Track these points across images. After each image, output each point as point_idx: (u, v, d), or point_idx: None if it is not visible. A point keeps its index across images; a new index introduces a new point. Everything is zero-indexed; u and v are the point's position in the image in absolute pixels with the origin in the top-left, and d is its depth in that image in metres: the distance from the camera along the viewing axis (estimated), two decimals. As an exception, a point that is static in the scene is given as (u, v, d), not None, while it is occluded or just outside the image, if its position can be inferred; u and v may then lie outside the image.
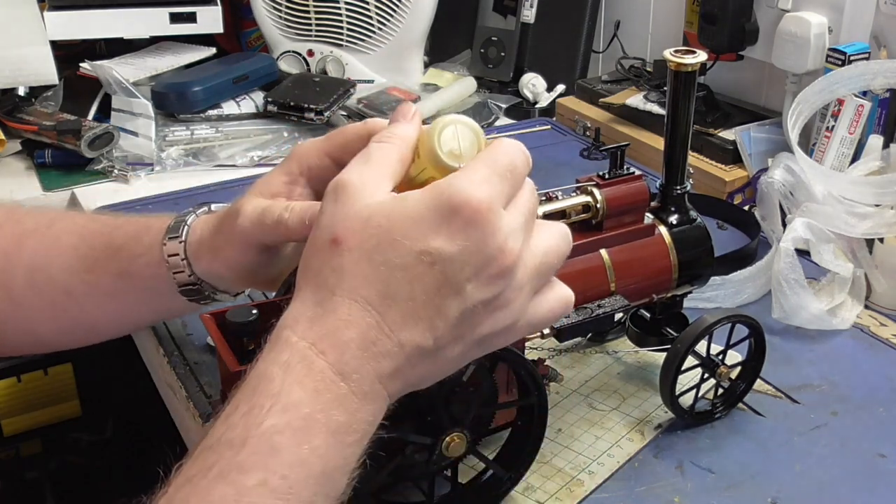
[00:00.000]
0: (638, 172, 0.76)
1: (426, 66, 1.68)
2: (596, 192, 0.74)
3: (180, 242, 0.74)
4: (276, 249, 0.72)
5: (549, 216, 0.72)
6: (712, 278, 0.94)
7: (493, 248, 0.52)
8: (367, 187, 0.54)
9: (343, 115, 1.48)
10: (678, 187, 0.80)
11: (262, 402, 0.50)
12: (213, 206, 0.77)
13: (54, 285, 0.78)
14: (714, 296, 0.97)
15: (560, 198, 0.74)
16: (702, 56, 0.75)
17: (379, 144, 0.57)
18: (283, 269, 0.75)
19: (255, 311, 0.66)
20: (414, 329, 0.52)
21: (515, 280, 0.54)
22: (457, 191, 0.52)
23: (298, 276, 0.55)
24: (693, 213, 0.81)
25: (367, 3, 1.57)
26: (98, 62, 1.48)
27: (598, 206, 0.74)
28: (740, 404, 0.83)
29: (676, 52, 0.75)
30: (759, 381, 0.83)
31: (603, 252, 0.75)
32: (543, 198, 0.73)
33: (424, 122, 0.60)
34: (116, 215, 0.83)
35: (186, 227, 0.74)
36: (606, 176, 0.75)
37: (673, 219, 0.79)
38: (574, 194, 0.75)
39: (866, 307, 0.99)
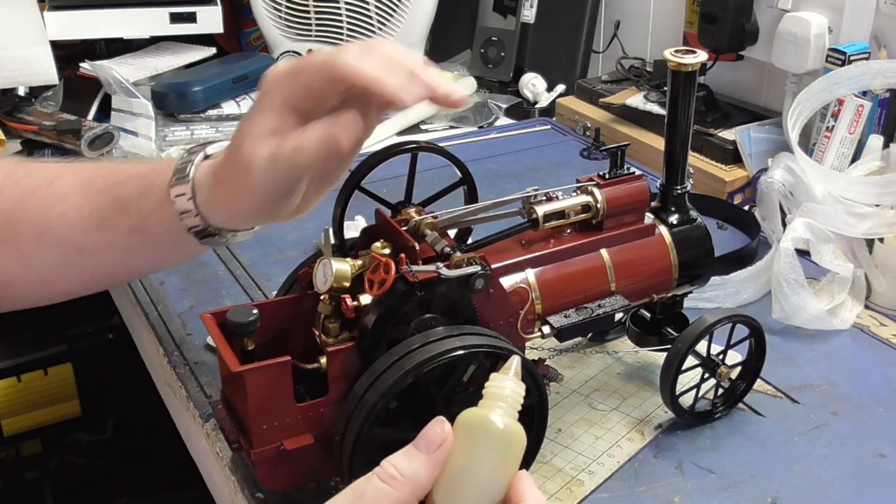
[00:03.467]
0: (638, 172, 0.76)
1: (426, 66, 1.68)
2: (596, 192, 0.74)
3: (189, 199, 0.70)
4: (293, 188, 0.68)
5: (549, 216, 0.72)
6: (712, 278, 0.94)
7: None
8: None
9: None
10: (678, 187, 0.80)
11: None
12: (208, 150, 0.73)
13: (64, 244, 0.76)
14: (714, 296, 0.97)
15: (560, 198, 0.74)
16: (702, 56, 0.75)
17: (378, 485, 0.51)
18: (298, 199, 0.70)
19: (255, 311, 0.66)
20: None
21: None
22: None
23: None
24: (693, 213, 0.81)
25: (367, 3, 1.57)
26: (98, 62, 1.48)
27: (599, 206, 0.74)
28: (740, 404, 0.83)
29: (676, 52, 0.75)
30: (759, 381, 0.83)
31: (603, 252, 0.75)
32: (544, 198, 0.73)
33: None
34: (117, 168, 0.80)
35: (193, 166, 0.71)
36: (607, 176, 0.75)
37: (673, 219, 0.80)
38: (574, 194, 0.75)
39: (866, 307, 0.99)
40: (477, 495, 0.52)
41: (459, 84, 1.59)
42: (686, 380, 0.79)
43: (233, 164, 0.67)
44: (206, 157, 0.72)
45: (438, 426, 0.51)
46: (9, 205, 0.77)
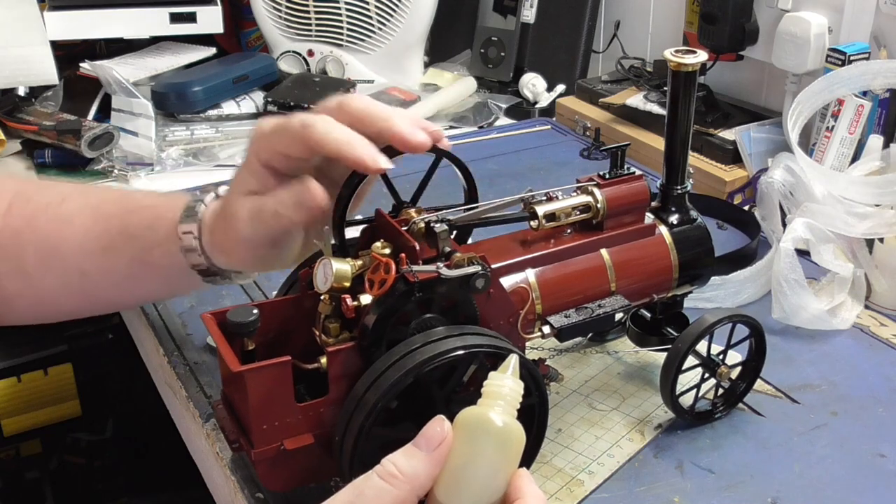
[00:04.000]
0: (638, 172, 0.76)
1: (426, 66, 1.68)
2: (596, 191, 0.74)
3: (195, 238, 0.73)
4: (281, 240, 0.72)
5: (549, 216, 0.72)
6: (712, 278, 0.94)
7: None
8: None
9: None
10: (679, 187, 0.80)
11: None
12: (220, 190, 0.76)
13: (68, 266, 0.77)
14: (714, 296, 0.97)
15: (560, 198, 0.74)
16: (702, 56, 0.75)
17: (377, 483, 0.51)
18: (296, 248, 0.74)
19: (255, 311, 0.66)
20: None
21: None
22: None
23: None
24: (694, 213, 0.81)
25: (367, 3, 1.57)
26: (98, 62, 1.48)
27: (599, 205, 0.74)
28: (740, 404, 0.83)
29: (677, 52, 0.75)
30: (759, 381, 0.83)
31: (603, 252, 0.75)
32: (544, 198, 0.73)
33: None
34: (126, 195, 0.82)
35: (203, 205, 0.74)
36: (607, 176, 0.75)
37: (673, 219, 0.79)
38: (574, 194, 0.75)
39: (866, 307, 0.99)
40: (477, 493, 0.52)
41: (459, 84, 1.59)
42: (686, 380, 0.79)
43: (222, 216, 0.72)
44: (217, 197, 0.75)
45: (438, 425, 0.52)
46: (19, 222, 0.78)
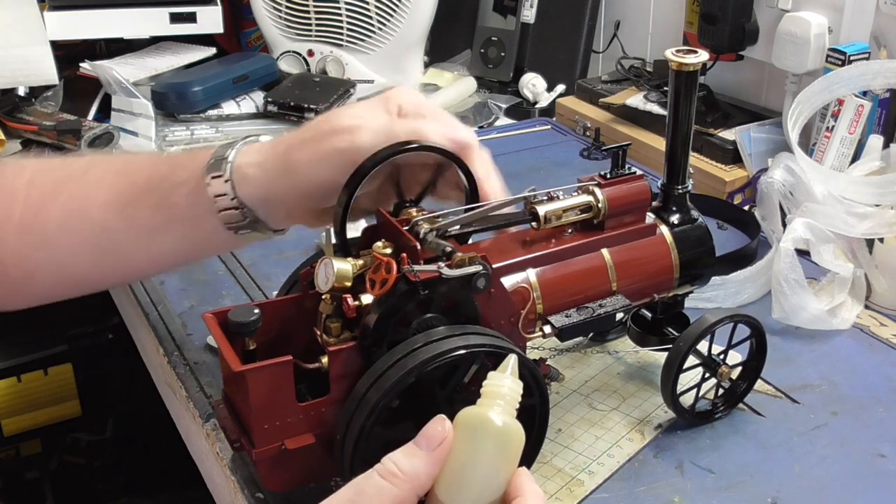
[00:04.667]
0: (639, 172, 0.76)
1: (426, 66, 1.68)
2: (597, 191, 0.74)
3: (228, 163, 0.72)
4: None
5: (550, 216, 0.72)
6: (712, 278, 0.94)
7: None
8: None
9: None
10: (679, 187, 0.80)
11: None
12: (261, 138, 0.76)
13: (91, 223, 0.76)
14: (714, 296, 0.97)
15: (561, 198, 0.74)
16: (703, 56, 0.75)
17: (378, 482, 0.51)
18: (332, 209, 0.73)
19: (256, 311, 0.66)
20: None
21: None
22: None
23: None
24: (694, 213, 0.81)
25: (367, 3, 1.57)
26: (98, 62, 1.48)
27: (600, 205, 0.74)
28: (740, 404, 0.83)
29: (678, 51, 0.75)
30: (759, 381, 0.83)
31: (604, 251, 0.75)
32: (545, 197, 0.73)
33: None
34: (153, 154, 0.82)
35: (234, 149, 0.74)
36: (608, 176, 0.75)
37: (674, 218, 0.79)
38: (575, 194, 0.75)
39: (866, 307, 0.99)
40: (477, 492, 0.52)
41: (459, 84, 1.59)
42: (686, 379, 0.79)
43: (330, 129, 0.71)
44: (247, 145, 0.75)
45: (439, 424, 0.52)
46: (43, 196, 0.78)
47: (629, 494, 0.73)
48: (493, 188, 0.72)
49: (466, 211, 0.71)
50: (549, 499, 0.73)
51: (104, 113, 1.44)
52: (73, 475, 1.55)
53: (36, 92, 1.46)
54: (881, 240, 0.98)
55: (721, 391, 0.81)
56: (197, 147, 1.38)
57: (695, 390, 0.80)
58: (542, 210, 0.72)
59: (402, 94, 0.73)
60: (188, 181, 0.74)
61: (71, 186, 0.78)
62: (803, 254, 0.97)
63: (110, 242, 0.77)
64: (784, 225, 1.01)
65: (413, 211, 0.70)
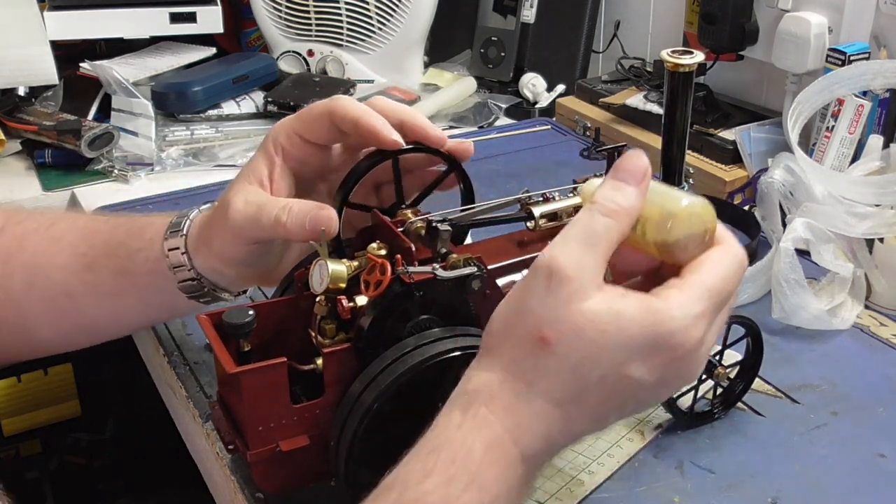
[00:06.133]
0: (636, 173, 0.76)
1: (426, 66, 1.68)
2: (594, 192, 0.74)
3: (181, 236, 0.74)
4: (268, 243, 0.72)
5: (546, 217, 0.72)
6: (712, 278, 0.94)
7: (690, 374, 0.55)
8: (584, 283, 0.52)
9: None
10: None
11: (460, 476, 0.52)
12: (202, 207, 0.77)
13: (53, 286, 0.77)
14: (714, 296, 0.97)
15: (557, 198, 0.74)
16: (699, 56, 0.75)
17: (604, 220, 0.53)
18: (277, 264, 0.75)
19: (251, 312, 0.66)
20: (592, 425, 0.56)
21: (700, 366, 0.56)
22: (675, 330, 0.52)
23: (490, 341, 0.55)
24: (692, 213, 0.80)
25: (367, 3, 1.57)
26: (98, 62, 1.48)
27: (596, 206, 0.74)
28: (740, 404, 0.83)
29: (674, 52, 0.75)
30: (759, 381, 0.83)
31: (601, 252, 0.75)
32: (540, 198, 0.73)
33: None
34: (119, 215, 0.83)
35: (189, 221, 0.75)
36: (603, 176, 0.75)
37: (671, 219, 0.79)
38: (571, 195, 0.74)
39: (866, 307, 0.98)
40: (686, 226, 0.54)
41: (459, 84, 1.59)
42: (685, 380, 0.79)
43: (220, 202, 0.72)
44: (200, 212, 0.76)
45: (638, 158, 0.55)
46: (8, 249, 0.79)
47: (629, 494, 0.73)
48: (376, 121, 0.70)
49: (462, 212, 0.71)
50: (550, 499, 0.73)
51: (104, 113, 1.44)
52: (73, 475, 1.55)
53: (36, 92, 1.46)
54: (881, 240, 0.97)
55: (719, 391, 0.81)
56: (192, 148, 1.38)
57: (692, 392, 0.80)
58: (537, 211, 0.71)
59: (275, 134, 0.73)
60: (146, 249, 0.75)
61: (35, 240, 0.79)
62: (803, 254, 0.97)
63: (71, 305, 0.78)
64: (784, 225, 1.01)
65: (409, 212, 0.70)
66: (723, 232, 0.56)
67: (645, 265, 0.57)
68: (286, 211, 0.68)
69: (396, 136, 0.68)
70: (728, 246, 0.55)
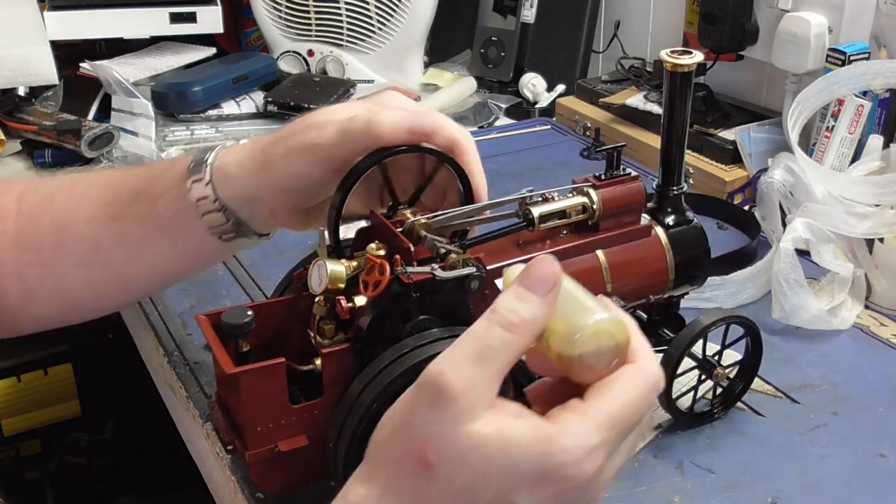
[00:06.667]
0: (634, 173, 0.76)
1: (426, 66, 1.68)
2: (592, 192, 0.74)
3: (206, 166, 0.72)
4: (336, 178, 0.69)
5: (544, 217, 0.72)
6: (713, 278, 0.94)
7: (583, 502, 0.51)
8: (472, 403, 0.47)
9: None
10: (675, 188, 0.80)
11: None
12: (241, 142, 0.76)
13: (83, 240, 0.76)
14: (714, 296, 0.97)
15: (556, 199, 0.74)
16: (698, 56, 0.75)
17: (502, 334, 0.48)
18: (315, 210, 0.74)
19: (249, 313, 0.66)
20: None
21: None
22: (567, 462, 0.48)
23: (373, 453, 0.51)
24: (690, 214, 0.80)
25: (367, 3, 1.57)
26: (98, 62, 1.48)
27: (595, 207, 0.74)
28: (740, 404, 0.82)
29: (673, 52, 0.75)
30: (759, 381, 0.83)
31: (599, 253, 0.75)
32: (540, 199, 0.73)
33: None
34: (138, 166, 0.82)
35: (213, 153, 0.73)
36: (602, 177, 0.75)
37: (669, 220, 0.79)
38: (570, 195, 0.74)
39: (866, 307, 0.98)
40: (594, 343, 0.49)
41: (460, 84, 1.59)
42: (686, 380, 0.79)
43: (298, 127, 0.70)
44: (225, 148, 0.74)
45: (548, 265, 0.50)
46: (33, 209, 0.78)
47: (629, 494, 0.73)
48: (483, 184, 0.72)
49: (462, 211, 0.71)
50: (549, 499, 0.73)
51: (104, 113, 1.44)
52: (73, 475, 1.55)
53: (36, 92, 1.46)
54: (881, 240, 0.97)
55: (719, 390, 0.81)
56: (192, 148, 1.38)
57: (692, 393, 0.80)
58: (536, 211, 0.71)
59: (390, 97, 0.72)
60: (170, 188, 0.73)
61: (59, 198, 0.78)
62: (803, 254, 0.97)
63: (101, 258, 0.77)
64: (784, 225, 1.01)
65: (408, 212, 0.70)
66: (639, 347, 0.51)
67: (557, 371, 0.52)
68: (379, 114, 0.67)
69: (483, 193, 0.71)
70: (641, 365, 0.51)
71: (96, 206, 0.76)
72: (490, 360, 0.48)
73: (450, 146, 0.70)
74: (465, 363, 0.48)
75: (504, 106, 1.57)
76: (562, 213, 0.73)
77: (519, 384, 0.54)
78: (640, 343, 0.51)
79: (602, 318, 0.49)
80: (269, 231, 0.78)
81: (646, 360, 0.51)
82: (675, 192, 0.80)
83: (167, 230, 0.75)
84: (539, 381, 0.53)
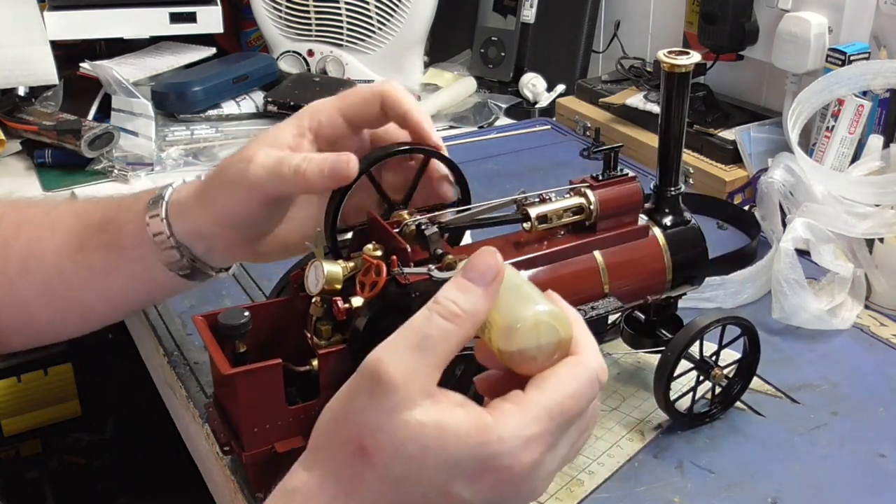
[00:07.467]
0: (632, 174, 0.76)
1: (426, 66, 1.68)
2: (589, 193, 0.74)
3: (163, 203, 0.72)
4: (275, 206, 0.70)
5: (542, 218, 0.72)
6: (713, 278, 0.94)
7: (525, 496, 0.51)
8: (411, 392, 0.48)
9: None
10: (672, 188, 0.79)
11: None
12: (187, 179, 0.76)
13: (47, 268, 0.77)
14: (714, 296, 0.97)
15: (553, 199, 0.73)
16: (695, 57, 0.74)
17: (442, 324, 0.49)
18: (267, 234, 0.74)
19: (246, 314, 0.66)
20: None
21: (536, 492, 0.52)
22: (502, 452, 0.48)
23: (315, 440, 0.51)
24: (687, 215, 0.80)
25: (367, 3, 1.57)
26: (98, 62, 1.48)
27: (592, 207, 0.74)
28: (740, 404, 0.82)
29: (670, 52, 0.75)
30: (759, 380, 0.83)
31: (597, 254, 0.75)
32: (537, 199, 0.73)
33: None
34: (109, 197, 0.82)
35: (171, 188, 0.74)
36: (600, 177, 0.75)
37: (667, 220, 0.79)
38: (567, 196, 0.74)
39: (866, 307, 0.98)
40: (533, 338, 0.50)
41: (459, 84, 1.59)
42: (684, 381, 0.79)
43: (233, 159, 0.70)
44: (182, 184, 0.75)
45: (490, 257, 0.50)
46: (6, 233, 0.78)
47: (629, 494, 0.73)
48: (423, 118, 0.70)
49: (458, 212, 0.71)
50: (550, 499, 0.73)
51: (104, 113, 1.44)
52: (73, 475, 1.55)
53: (36, 92, 1.46)
54: (881, 240, 0.97)
55: (718, 390, 0.81)
56: (192, 148, 1.38)
57: (690, 394, 0.80)
58: (533, 212, 0.71)
59: (314, 110, 0.72)
60: (133, 221, 0.74)
61: (33, 224, 0.79)
62: (803, 254, 0.97)
63: (65, 287, 0.77)
64: (784, 225, 1.01)
65: (404, 213, 0.70)
66: (582, 340, 0.51)
67: (501, 363, 0.52)
68: (307, 160, 0.66)
69: (437, 140, 0.68)
70: (582, 358, 0.51)
71: (64, 236, 0.77)
72: (429, 350, 0.48)
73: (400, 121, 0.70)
74: (404, 352, 0.48)
75: (504, 106, 1.57)
76: (559, 214, 0.73)
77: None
78: (583, 336, 0.52)
79: (542, 310, 0.49)
80: (228, 265, 0.78)
81: (587, 354, 0.51)
82: (673, 193, 0.79)
83: (130, 261, 0.75)
84: (486, 373, 0.54)
